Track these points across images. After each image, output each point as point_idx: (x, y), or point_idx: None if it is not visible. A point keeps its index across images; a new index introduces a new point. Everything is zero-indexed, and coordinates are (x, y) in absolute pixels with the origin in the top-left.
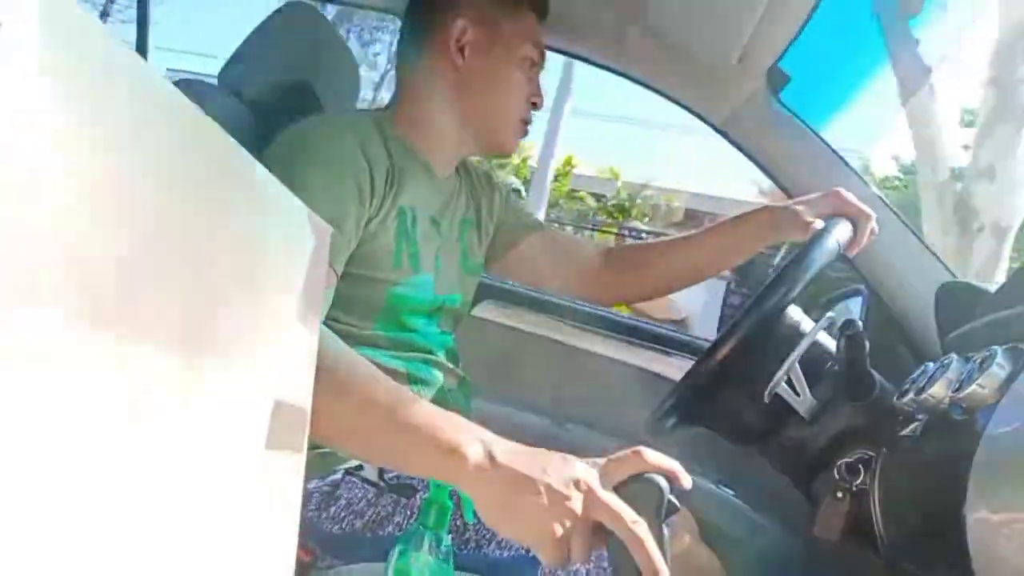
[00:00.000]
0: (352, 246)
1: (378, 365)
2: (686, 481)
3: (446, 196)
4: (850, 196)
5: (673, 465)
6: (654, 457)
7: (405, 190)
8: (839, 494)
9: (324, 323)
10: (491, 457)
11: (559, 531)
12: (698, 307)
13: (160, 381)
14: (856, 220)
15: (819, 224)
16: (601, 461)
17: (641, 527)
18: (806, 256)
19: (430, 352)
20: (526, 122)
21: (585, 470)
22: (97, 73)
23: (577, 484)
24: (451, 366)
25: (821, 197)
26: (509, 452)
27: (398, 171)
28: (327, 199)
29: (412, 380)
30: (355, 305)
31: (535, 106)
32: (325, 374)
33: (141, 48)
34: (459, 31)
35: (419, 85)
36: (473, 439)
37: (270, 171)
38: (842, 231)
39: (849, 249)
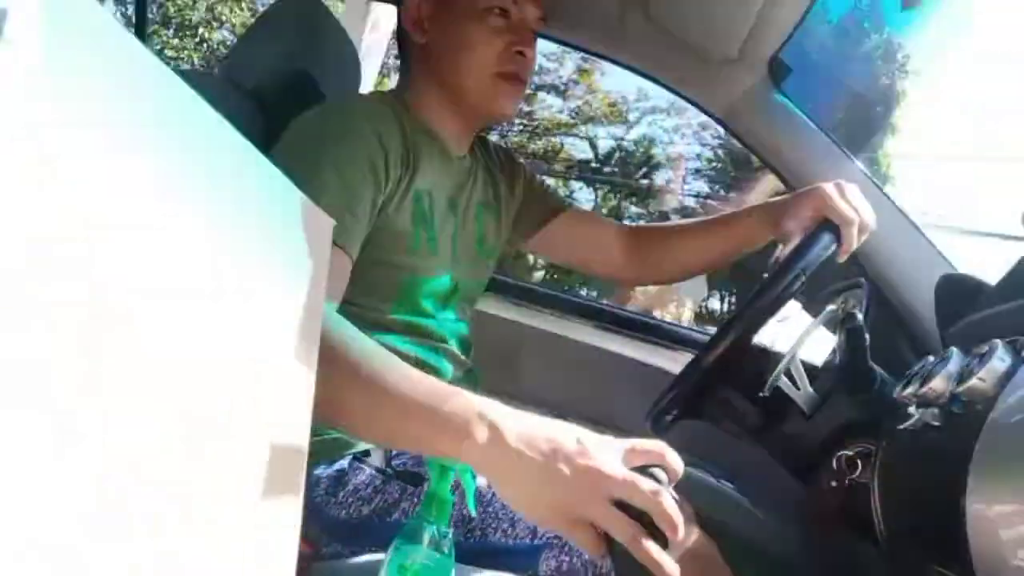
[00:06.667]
0: (367, 229)
1: (389, 349)
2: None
3: (462, 176)
4: (832, 197)
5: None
6: (672, 458)
7: (421, 172)
8: (833, 483)
9: (341, 307)
10: (499, 436)
11: (579, 514)
12: None
13: (162, 371)
14: (839, 224)
15: (796, 239)
16: (623, 444)
17: (664, 496)
18: (763, 295)
19: (443, 340)
20: (510, 76)
21: (601, 448)
22: (100, 64)
23: (588, 468)
24: (461, 356)
25: (802, 198)
26: (517, 432)
27: (414, 153)
28: (340, 182)
29: (419, 367)
30: (373, 289)
31: (522, 55)
32: (333, 355)
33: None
34: (415, 7)
35: (410, 67)
36: (479, 417)
37: (285, 157)
38: (815, 254)
39: (838, 257)
